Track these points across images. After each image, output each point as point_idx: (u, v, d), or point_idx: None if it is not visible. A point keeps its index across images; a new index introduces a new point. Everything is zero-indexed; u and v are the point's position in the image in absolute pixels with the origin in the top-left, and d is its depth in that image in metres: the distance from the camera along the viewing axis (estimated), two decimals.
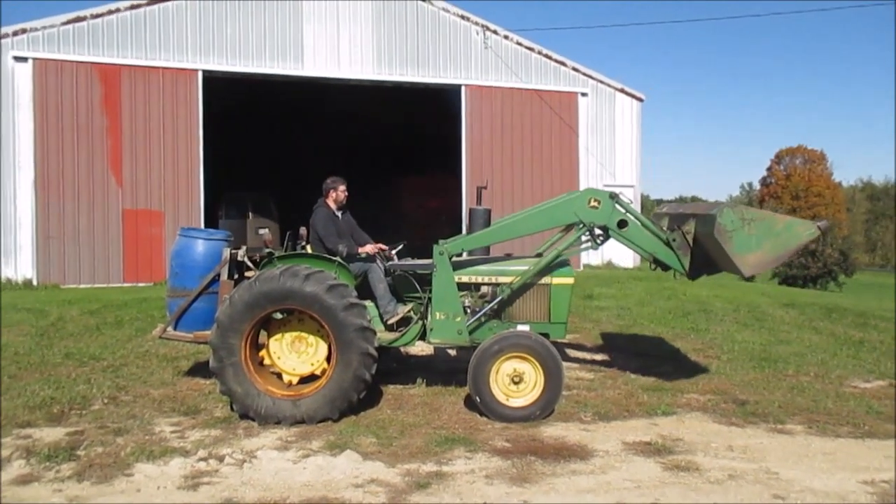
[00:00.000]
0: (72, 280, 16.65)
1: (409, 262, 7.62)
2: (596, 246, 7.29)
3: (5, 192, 16.42)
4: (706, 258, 7.02)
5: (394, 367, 8.30)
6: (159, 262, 17.29)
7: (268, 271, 6.40)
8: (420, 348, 8.80)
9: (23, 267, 16.46)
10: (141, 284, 16.87)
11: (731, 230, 6.45)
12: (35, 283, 16.38)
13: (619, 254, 21.47)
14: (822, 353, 9.57)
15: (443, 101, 21.17)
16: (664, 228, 7.30)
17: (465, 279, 7.13)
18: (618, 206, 7.01)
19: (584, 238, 7.20)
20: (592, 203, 6.97)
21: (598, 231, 7.14)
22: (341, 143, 29.28)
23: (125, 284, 16.91)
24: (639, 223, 7.20)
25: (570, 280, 7.13)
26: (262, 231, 21.70)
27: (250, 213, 22.37)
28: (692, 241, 6.95)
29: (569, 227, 7.44)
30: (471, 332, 6.97)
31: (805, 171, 68.99)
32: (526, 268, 7.05)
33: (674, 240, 7.02)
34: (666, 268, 7.31)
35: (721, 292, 15.16)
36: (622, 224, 7.00)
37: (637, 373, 8.39)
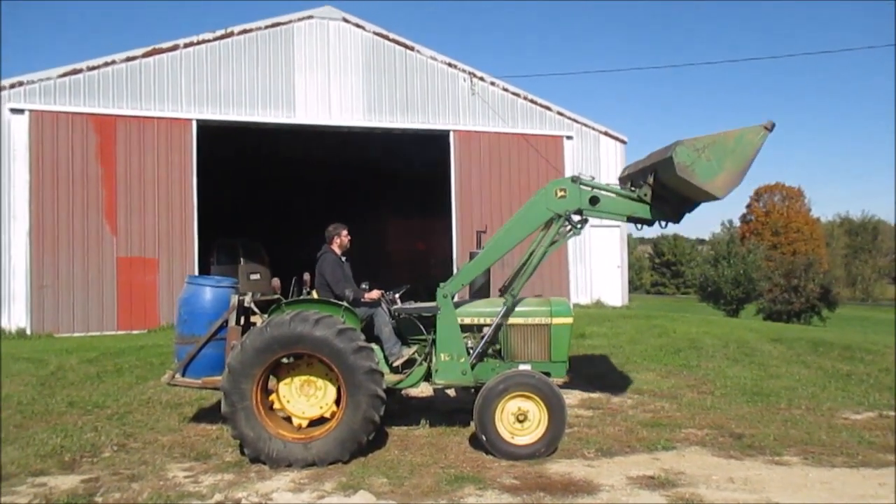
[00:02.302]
0: (65, 329, 16.63)
1: (413, 304, 7.82)
2: (578, 231, 7.45)
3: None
4: (680, 198, 7.28)
5: (395, 408, 8.43)
6: (153, 309, 17.42)
7: (278, 317, 6.58)
8: (420, 389, 8.95)
9: (16, 316, 16.46)
10: (135, 332, 16.87)
11: (690, 164, 6.69)
12: (28, 332, 16.35)
13: (607, 292, 21.79)
14: (812, 387, 9.83)
15: (432, 146, 21.60)
16: (631, 189, 7.58)
17: (467, 321, 7.35)
18: (583, 187, 7.31)
19: (563, 229, 7.43)
20: (559, 193, 7.28)
21: (575, 218, 7.36)
22: (332, 188, 29.62)
23: (119, 332, 16.90)
24: (610, 193, 7.49)
25: (570, 319, 7.36)
26: (255, 277, 21.85)
27: (242, 259, 22.50)
28: (661, 188, 7.21)
29: (547, 225, 7.62)
30: (473, 369, 7.15)
31: (784, 207, 70.27)
32: (526, 308, 7.30)
33: (645, 194, 7.31)
34: (651, 223, 7.54)
35: (710, 329, 15.43)
36: (594, 201, 7.29)
37: (634, 409, 8.59)
